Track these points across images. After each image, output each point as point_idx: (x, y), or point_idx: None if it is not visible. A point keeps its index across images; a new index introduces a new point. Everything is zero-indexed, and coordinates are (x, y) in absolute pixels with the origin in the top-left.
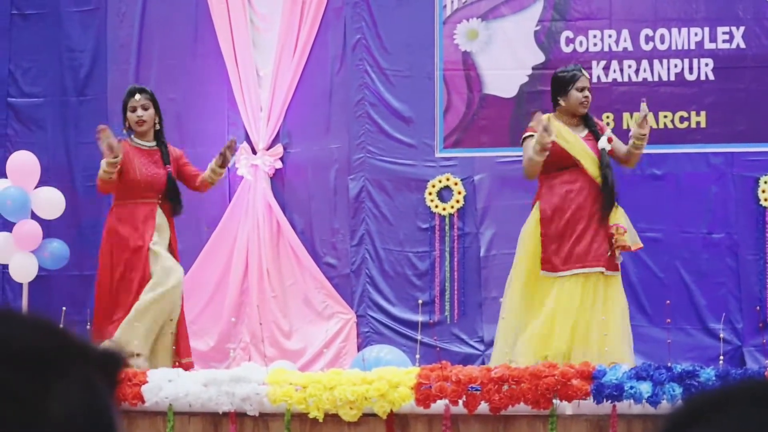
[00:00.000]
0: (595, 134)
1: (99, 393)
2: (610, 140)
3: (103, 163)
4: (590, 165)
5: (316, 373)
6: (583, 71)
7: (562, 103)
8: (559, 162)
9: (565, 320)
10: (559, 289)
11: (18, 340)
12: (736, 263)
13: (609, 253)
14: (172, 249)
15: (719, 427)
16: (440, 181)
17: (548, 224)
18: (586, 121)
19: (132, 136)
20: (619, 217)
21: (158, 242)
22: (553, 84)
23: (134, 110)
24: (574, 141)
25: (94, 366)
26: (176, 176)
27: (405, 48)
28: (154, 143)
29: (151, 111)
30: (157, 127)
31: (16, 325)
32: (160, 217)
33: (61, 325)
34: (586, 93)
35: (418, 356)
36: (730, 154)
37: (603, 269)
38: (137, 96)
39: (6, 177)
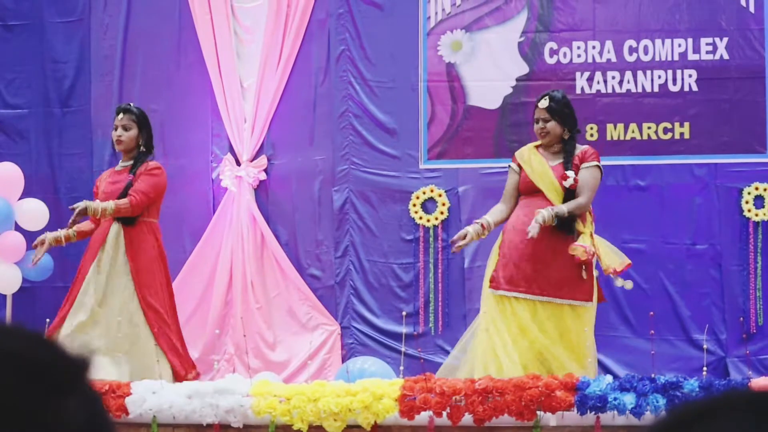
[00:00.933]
0: (565, 165)
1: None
2: (572, 187)
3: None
4: (552, 194)
5: (300, 384)
6: (540, 100)
7: None
8: (525, 188)
9: (515, 343)
10: (505, 309)
11: (30, 355)
12: (720, 274)
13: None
14: (134, 257)
15: None
16: (424, 193)
17: (503, 243)
18: (566, 152)
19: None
20: (583, 240)
21: (103, 260)
22: None
23: (116, 129)
24: (540, 169)
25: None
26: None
27: (389, 59)
28: (131, 162)
29: (132, 132)
30: (142, 148)
31: (26, 340)
32: (113, 233)
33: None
34: (541, 124)
35: (402, 368)
36: (714, 166)
37: (550, 299)
38: (120, 116)
39: None
